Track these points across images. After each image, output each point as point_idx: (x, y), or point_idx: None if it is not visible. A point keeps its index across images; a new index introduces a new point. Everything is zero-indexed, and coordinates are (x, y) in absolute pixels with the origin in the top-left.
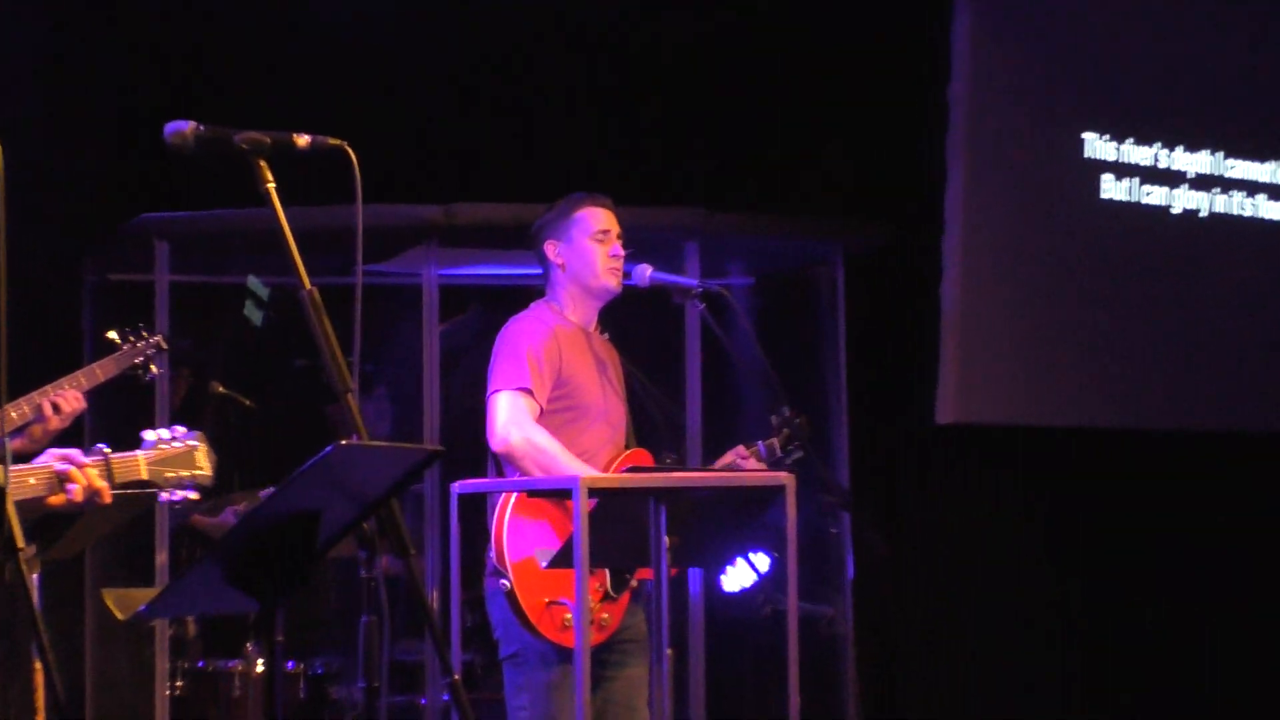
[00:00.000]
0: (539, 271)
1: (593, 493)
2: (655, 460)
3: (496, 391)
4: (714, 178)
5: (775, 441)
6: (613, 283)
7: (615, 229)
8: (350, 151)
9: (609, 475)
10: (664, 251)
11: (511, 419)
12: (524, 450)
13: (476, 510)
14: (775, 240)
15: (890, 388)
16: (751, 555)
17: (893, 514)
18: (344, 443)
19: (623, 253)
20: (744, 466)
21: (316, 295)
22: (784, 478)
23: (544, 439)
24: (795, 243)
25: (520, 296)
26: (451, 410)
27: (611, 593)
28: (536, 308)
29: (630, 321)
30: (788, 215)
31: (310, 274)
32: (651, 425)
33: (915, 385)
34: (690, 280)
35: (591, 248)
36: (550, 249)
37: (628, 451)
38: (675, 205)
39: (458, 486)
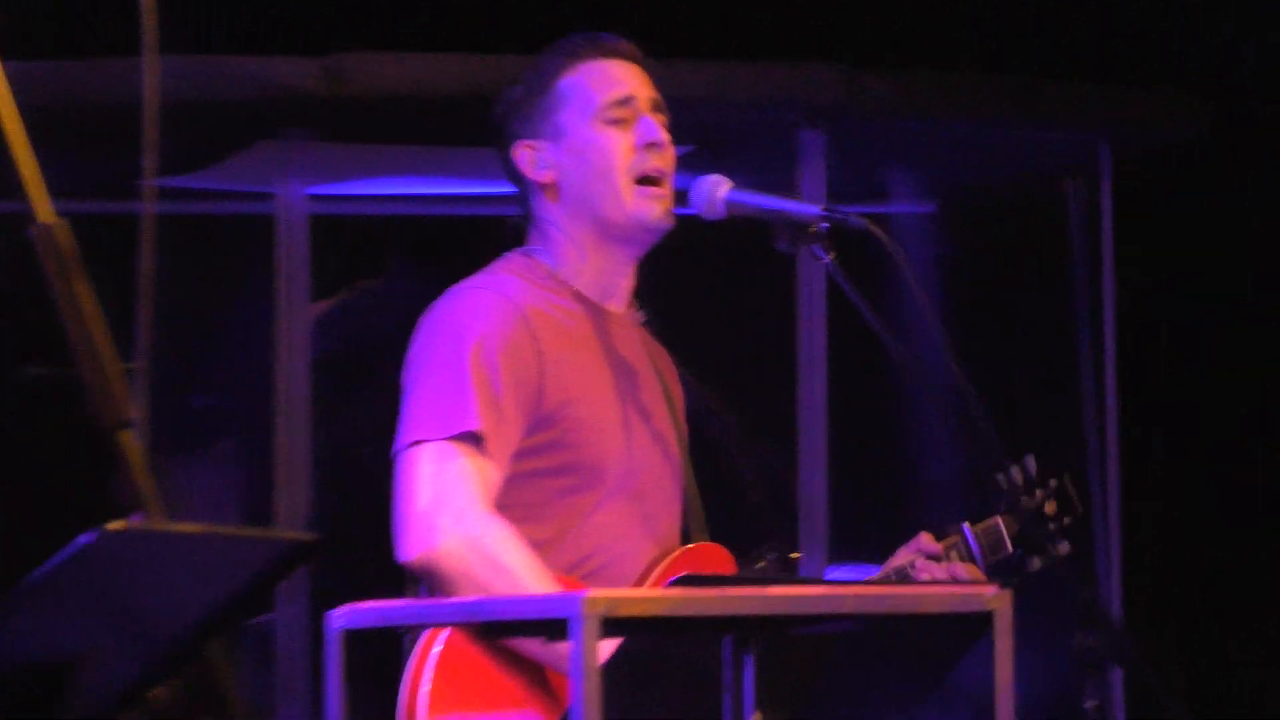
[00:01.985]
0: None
1: (611, 626)
2: (738, 561)
3: (412, 445)
4: (849, 20)
5: (1000, 524)
6: (652, 211)
7: (647, 94)
8: None
9: (641, 592)
10: (760, 153)
11: (439, 499)
12: (460, 563)
13: (378, 659)
14: (981, 128)
15: (1200, 406)
16: None
17: (1212, 663)
18: (117, 525)
19: (668, 142)
20: (925, 576)
21: (63, 235)
22: (990, 596)
23: (502, 540)
24: (1021, 133)
25: (485, 245)
26: (338, 468)
27: None
28: (498, 270)
29: (688, 286)
30: (997, 78)
31: (55, 196)
32: (735, 497)
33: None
34: (807, 206)
35: (603, 137)
36: (524, 155)
37: (684, 548)
38: (777, 61)
39: (340, 616)
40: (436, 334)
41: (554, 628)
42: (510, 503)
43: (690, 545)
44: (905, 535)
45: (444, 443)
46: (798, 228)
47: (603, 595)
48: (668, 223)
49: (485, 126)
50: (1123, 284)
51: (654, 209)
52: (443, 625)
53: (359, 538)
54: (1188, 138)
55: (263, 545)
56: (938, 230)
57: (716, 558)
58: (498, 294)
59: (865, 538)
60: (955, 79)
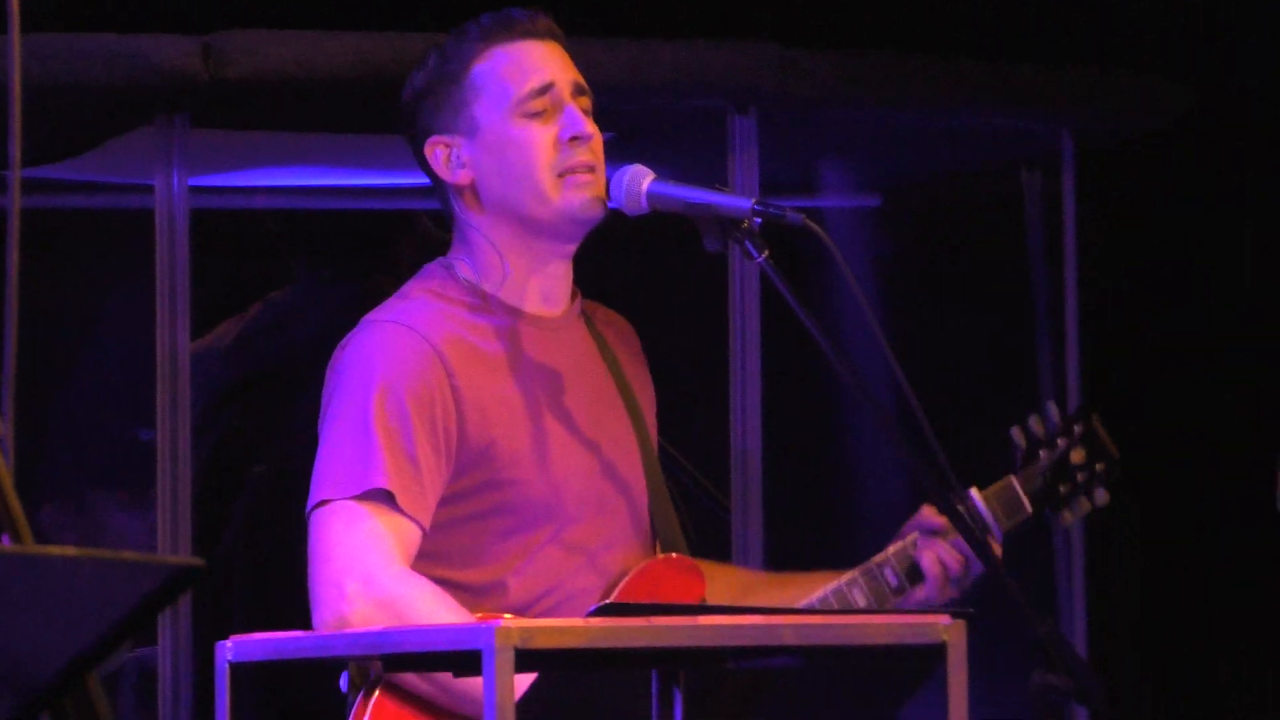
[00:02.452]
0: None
1: (527, 659)
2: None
3: (319, 505)
4: None
5: (1015, 483)
6: (580, 199)
7: (568, 78)
8: None
9: (557, 622)
10: (686, 141)
11: (348, 563)
12: (375, 626)
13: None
14: (930, 114)
15: (1167, 413)
16: None
17: (1187, 702)
18: None
19: (592, 131)
20: (928, 555)
21: None
22: (943, 627)
23: (417, 597)
24: (975, 121)
25: (395, 241)
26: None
27: None
28: (413, 292)
29: (607, 287)
30: (948, 60)
31: None
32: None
33: (1235, 414)
34: (739, 200)
35: (523, 133)
36: (438, 154)
37: (640, 566)
38: (704, 40)
39: (230, 648)
40: (342, 380)
41: (466, 661)
42: (444, 551)
43: (650, 561)
44: (846, 551)
45: (350, 502)
46: (728, 223)
47: (517, 625)
48: (598, 211)
49: (384, 111)
50: (1085, 284)
51: (581, 197)
52: (343, 658)
53: (256, 565)
54: (1158, 126)
55: (144, 570)
56: (881, 226)
57: (684, 571)
58: (408, 329)
59: (804, 553)
60: (901, 61)
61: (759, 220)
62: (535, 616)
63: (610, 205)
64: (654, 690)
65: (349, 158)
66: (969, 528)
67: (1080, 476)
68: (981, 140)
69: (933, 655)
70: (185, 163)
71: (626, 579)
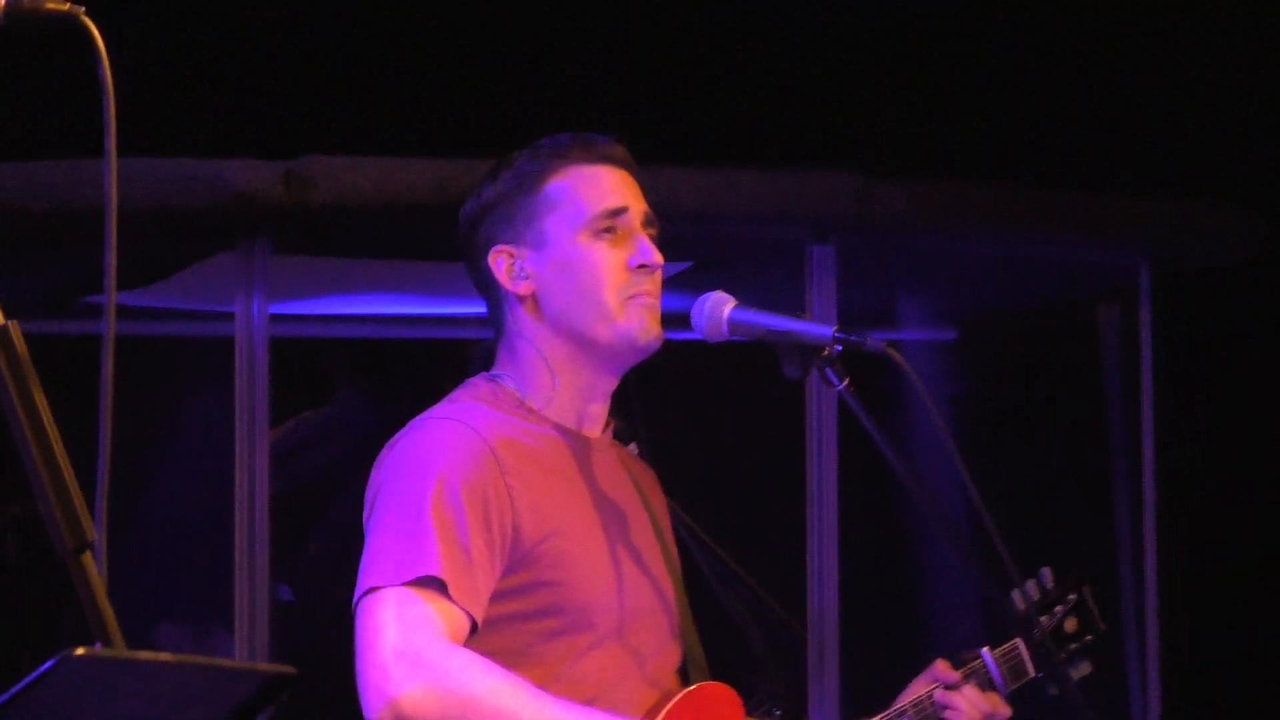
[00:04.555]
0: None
1: None
2: (747, 710)
3: (369, 592)
4: (863, 126)
5: (1021, 647)
6: (641, 328)
7: (641, 207)
8: (91, 27)
9: None
10: (765, 270)
11: (396, 646)
12: (427, 707)
13: None
14: (1007, 246)
15: (1244, 549)
16: None
17: None
18: (80, 651)
19: (659, 259)
20: (952, 707)
21: (17, 337)
22: None
23: (466, 669)
24: (1052, 252)
25: (443, 370)
26: (310, 601)
27: None
28: (462, 397)
29: (689, 413)
30: (1026, 190)
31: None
32: (734, 638)
33: None
34: (819, 327)
35: (593, 253)
36: (501, 262)
37: (688, 690)
38: (784, 169)
39: None
40: (397, 472)
41: None
42: (489, 650)
43: (695, 687)
44: (919, 668)
45: (401, 588)
46: (808, 351)
47: None
48: (657, 337)
49: (453, 233)
50: (1162, 420)
51: (645, 321)
52: None
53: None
54: (1238, 259)
55: (239, 677)
56: (957, 360)
57: (723, 702)
58: (463, 425)
59: (878, 668)
60: (979, 190)
61: (839, 348)
62: None
63: (676, 338)
64: None
65: (429, 285)
66: (1047, 651)
67: (1073, 647)
68: (1058, 273)
69: None
70: (265, 289)
71: (679, 697)
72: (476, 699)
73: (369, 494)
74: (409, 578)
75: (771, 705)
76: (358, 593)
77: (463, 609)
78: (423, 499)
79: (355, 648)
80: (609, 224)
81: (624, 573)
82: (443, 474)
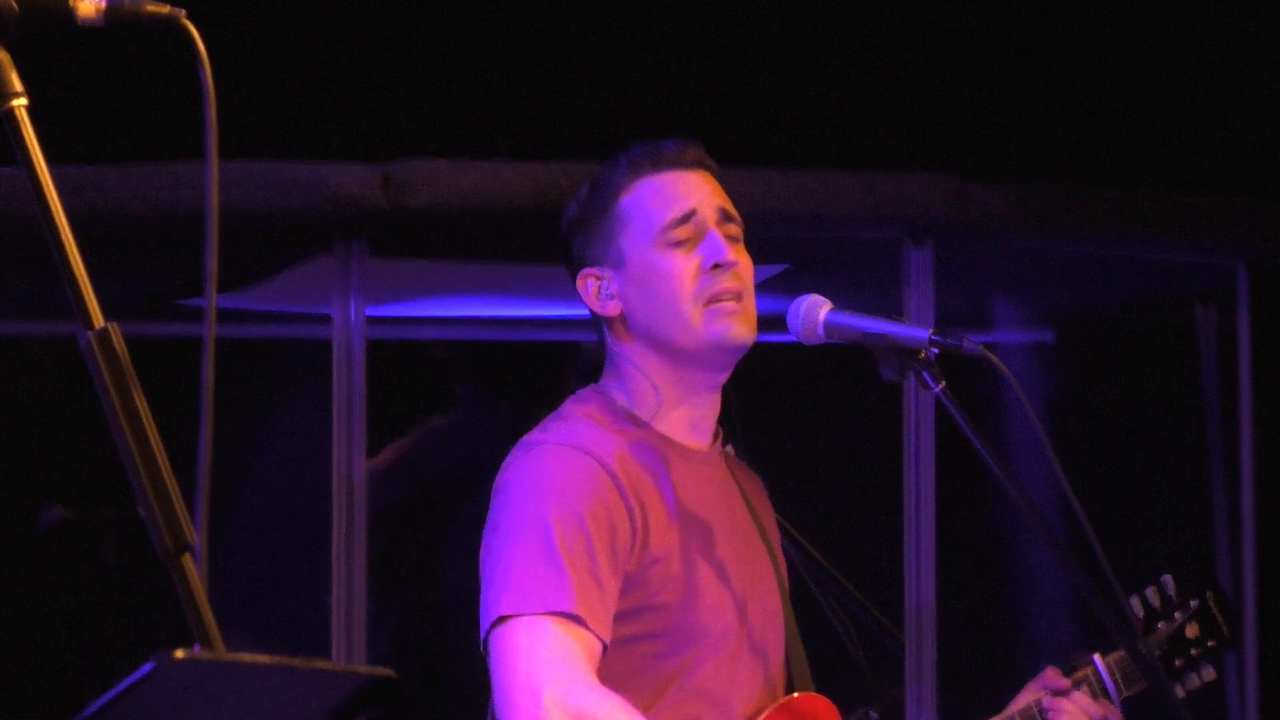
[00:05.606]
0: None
1: None
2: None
3: (506, 619)
4: (959, 127)
5: (1134, 652)
6: (726, 328)
7: (713, 204)
8: (192, 30)
9: None
10: (862, 272)
11: (543, 676)
12: None
13: None
14: (1104, 246)
15: None
16: None
17: None
18: (179, 653)
19: (736, 258)
20: (1055, 716)
21: (118, 339)
22: None
23: (612, 713)
24: (1149, 253)
25: (558, 373)
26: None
27: None
28: (573, 415)
29: (785, 417)
30: (1122, 192)
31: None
32: (836, 647)
33: None
34: (915, 329)
35: (666, 263)
36: (590, 286)
37: (782, 701)
38: (880, 171)
39: None
40: (521, 499)
41: None
42: (601, 674)
43: (795, 696)
44: (1016, 675)
45: (537, 617)
46: (905, 353)
47: None
48: (747, 339)
49: (557, 241)
50: (1261, 422)
51: (727, 326)
52: None
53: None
54: None
55: (337, 680)
56: (1054, 362)
57: (820, 713)
58: (582, 451)
59: (975, 677)
60: (1075, 191)
61: (936, 350)
62: None
63: (770, 339)
64: None
65: (525, 288)
66: (1151, 665)
67: (1194, 652)
68: (1155, 274)
69: None
70: (363, 292)
71: (772, 709)
72: None
73: (490, 516)
74: (546, 609)
75: (867, 709)
76: (489, 618)
77: (597, 636)
78: (548, 528)
79: (495, 672)
80: (680, 233)
81: (729, 589)
82: (566, 501)
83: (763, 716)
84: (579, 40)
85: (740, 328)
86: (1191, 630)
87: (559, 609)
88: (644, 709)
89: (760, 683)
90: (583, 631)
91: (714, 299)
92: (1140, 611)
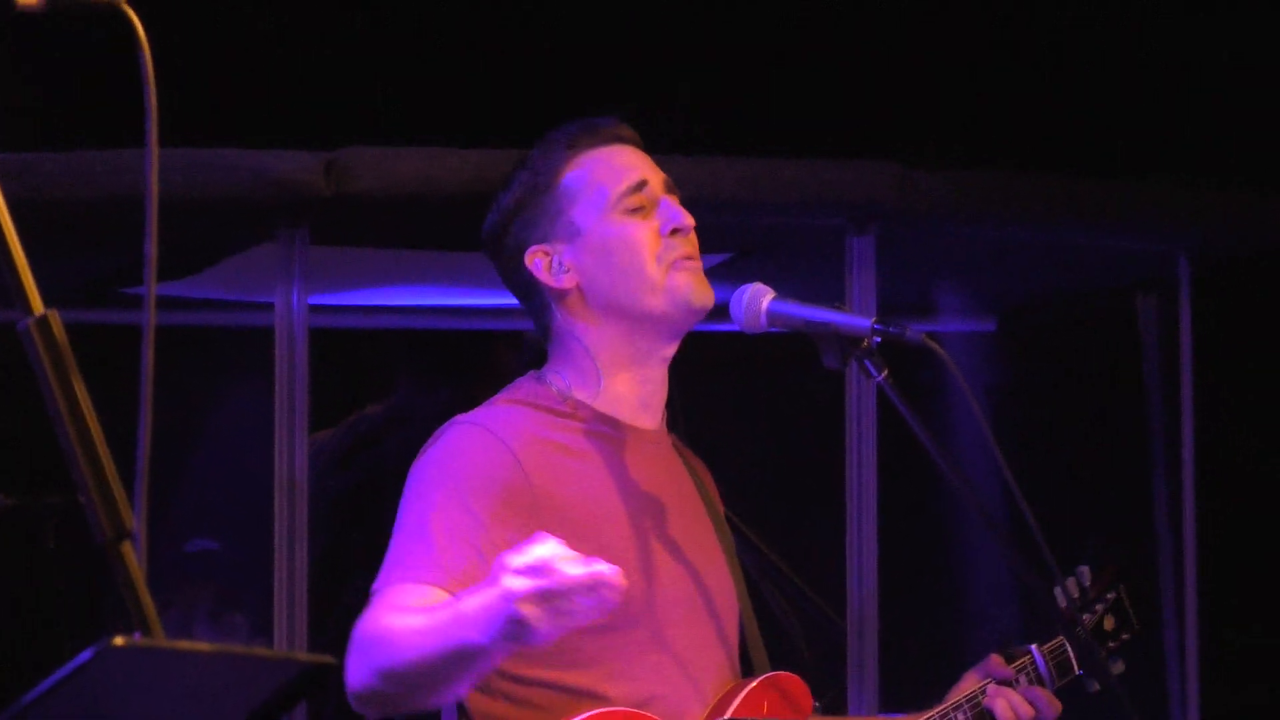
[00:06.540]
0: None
1: None
2: (813, 695)
3: (370, 595)
4: (901, 115)
5: (1067, 644)
6: (690, 288)
7: (659, 177)
8: (132, 16)
9: None
10: (804, 260)
11: (363, 639)
12: (367, 678)
13: None
14: (1046, 234)
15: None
16: None
17: None
18: (119, 640)
19: (690, 222)
20: (999, 702)
21: (58, 326)
22: None
23: (383, 623)
24: (1091, 242)
25: (500, 361)
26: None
27: None
28: (499, 401)
29: (726, 405)
30: (1064, 179)
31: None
32: (776, 632)
33: None
34: (858, 318)
35: (626, 228)
36: (539, 262)
37: (762, 678)
38: (823, 159)
39: None
40: (413, 479)
41: None
42: (544, 653)
43: (768, 675)
44: (959, 663)
45: (395, 586)
46: (848, 342)
47: None
48: (707, 301)
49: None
50: (1202, 410)
51: (691, 283)
52: None
53: None
54: (1277, 247)
55: (277, 667)
56: (996, 351)
57: (795, 691)
58: (484, 429)
59: (918, 663)
60: (1018, 180)
61: (878, 339)
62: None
63: (713, 328)
64: None
65: (467, 275)
66: (1090, 649)
67: (1110, 645)
68: (1097, 262)
69: None
70: (305, 279)
71: (754, 684)
72: (394, 643)
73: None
74: (406, 581)
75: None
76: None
77: (445, 590)
78: (429, 504)
79: None
80: (634, 200)
81: (674, 572)
82: (459, 479)
83: (745, 692)
84: (520, 28)
85: (702, 288)
86: (1108, 623)
87: (419, 580)
88: (609, 687)
89: (723, 659)
90: (437, 591)
91: (675, 263)
92: (1063, 602)
